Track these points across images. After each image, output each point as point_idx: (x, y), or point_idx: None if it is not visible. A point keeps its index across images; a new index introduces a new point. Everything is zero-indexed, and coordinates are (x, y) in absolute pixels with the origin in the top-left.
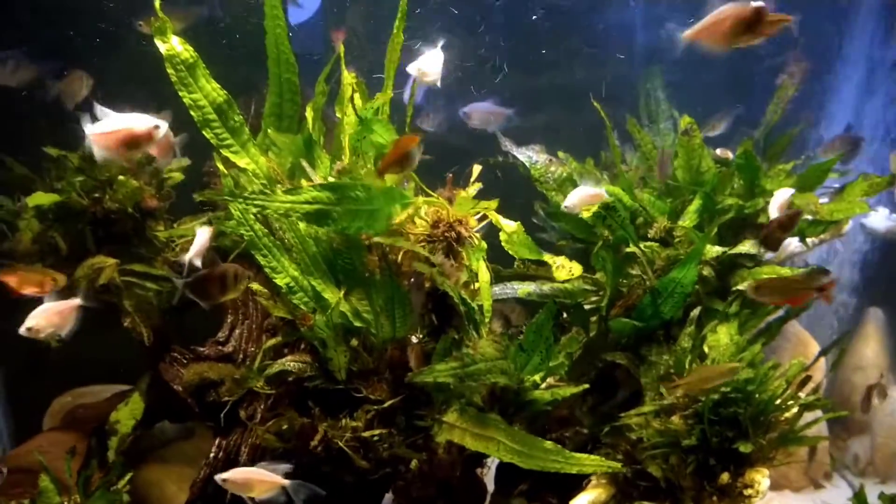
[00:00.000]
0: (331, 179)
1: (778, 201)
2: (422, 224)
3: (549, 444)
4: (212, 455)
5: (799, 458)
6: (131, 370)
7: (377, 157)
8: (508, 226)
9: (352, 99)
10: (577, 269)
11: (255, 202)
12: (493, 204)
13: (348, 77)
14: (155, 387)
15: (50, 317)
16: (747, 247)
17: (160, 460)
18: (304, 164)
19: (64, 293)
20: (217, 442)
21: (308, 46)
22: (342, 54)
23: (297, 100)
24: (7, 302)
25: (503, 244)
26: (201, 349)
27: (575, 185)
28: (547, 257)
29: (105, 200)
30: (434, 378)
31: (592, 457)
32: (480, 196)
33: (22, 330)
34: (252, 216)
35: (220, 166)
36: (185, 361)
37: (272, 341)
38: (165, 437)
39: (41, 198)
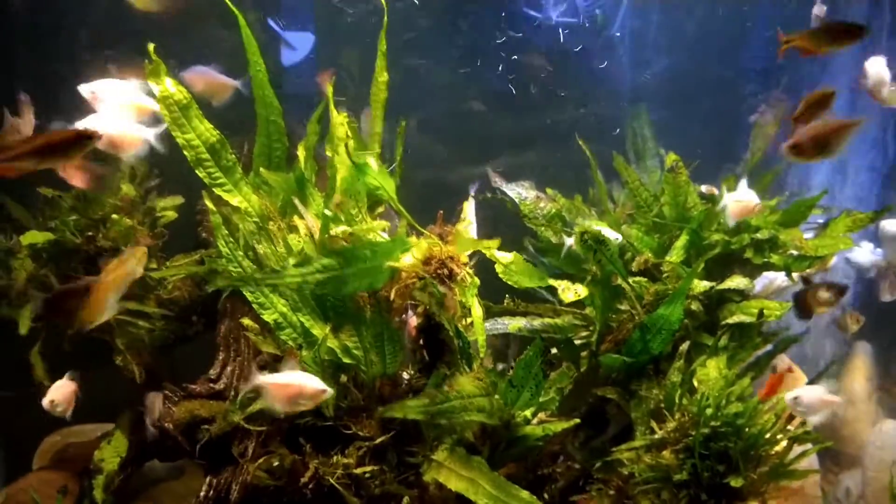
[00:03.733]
0: (327, 212)
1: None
2: (414, 261)
3: (524, 494)
4: (202, 494)
5: (789, 491)
6: (122, 409)
7: (370, 194)
8: (504, 258)
9: (346, 143)
10: (583, 290)
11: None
12: (495, 243)
13: (339, 117)
14: (145, 425)
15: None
16: (735, 282)
17: (150, 500)
18: (297, 201)
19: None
20: (208, 480)
21: (301, 87)
22: (331, 95)
23: (284, 140)
24: None
25: (500, 276)
26: (192, 386)
27: (564, 222)
28: (551, 281)
29: (98, 239)
30: (404, 414)
31: None
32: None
33: None
34: (240, 253)
35: (209, 204)
36: (175, 399)
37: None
38: (155, 476)
39: (35, 236)
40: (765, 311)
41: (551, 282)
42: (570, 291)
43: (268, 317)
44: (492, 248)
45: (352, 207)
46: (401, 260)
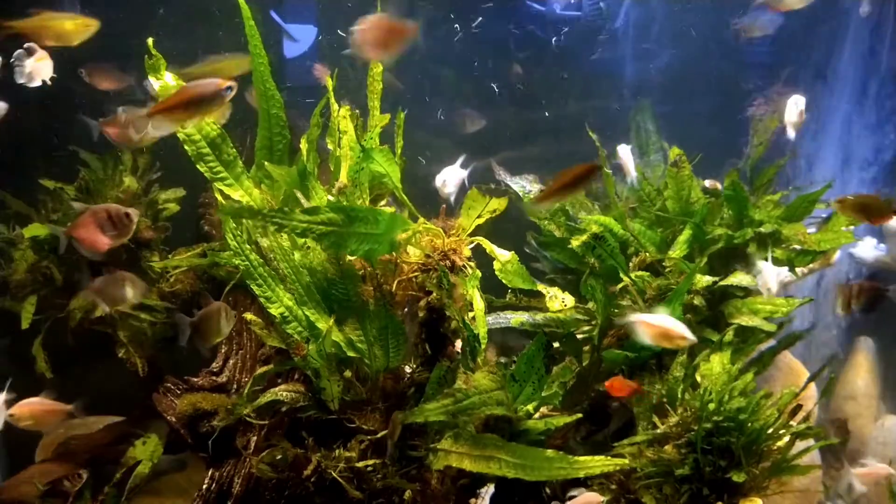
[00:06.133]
0: (330, 198)
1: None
2: (416, 253)
3: (550, 452)
4: (204, 486)
5: (792, 487)
6: (124, 401)
7: (373, 186)
8: (503, 255)
9: (354, 130)
10: (570, 300)
11: (274, 219)
12: (503, 203)
13: (341, 110)
14: (147, 418)
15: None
16: (738, 279)
17: (153, 492)
18: (299, 194)
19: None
20: (210, 473)
21: (304, 79)
22: (331, 87)
23: (286, 133)
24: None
25: (497, 273)
26: (195, 379)
27: (567, 216)
28: (540, 287)
29: None
30: (425, 418)
31: (598, 457)
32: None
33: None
34: (248, 246)
35: (219, 197)
36: (178, 392)
37: (263, 369)
38: (158, 469)
39: (37, 229)
40: (771, 308)
41: (539, 287)
42: (557, 301)
43: (274, 310)
44: (501, 208)
45: (357, 197)
46: (403, 243)
